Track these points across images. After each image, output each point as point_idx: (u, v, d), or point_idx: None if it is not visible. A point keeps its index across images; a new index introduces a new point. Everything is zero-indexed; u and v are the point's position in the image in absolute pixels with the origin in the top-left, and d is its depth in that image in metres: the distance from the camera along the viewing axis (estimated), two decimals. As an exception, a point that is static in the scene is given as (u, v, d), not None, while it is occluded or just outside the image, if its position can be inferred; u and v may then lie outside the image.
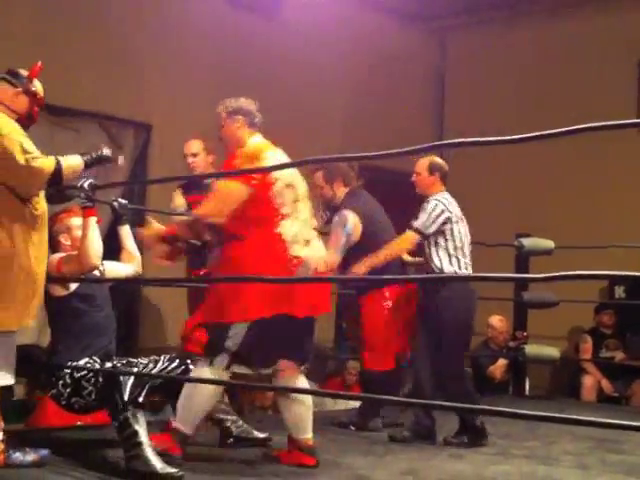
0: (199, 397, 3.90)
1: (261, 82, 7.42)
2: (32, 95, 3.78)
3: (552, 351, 6.81)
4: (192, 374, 3.99)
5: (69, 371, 3.91)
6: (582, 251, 6.52)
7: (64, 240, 4.09)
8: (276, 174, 3.90)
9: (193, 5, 7.25)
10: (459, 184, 9.03)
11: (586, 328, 7.76)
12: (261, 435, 4.46)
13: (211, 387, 3.90)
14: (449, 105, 9.44)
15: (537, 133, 2.65)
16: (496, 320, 7.41)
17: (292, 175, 4.00)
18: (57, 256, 4.03)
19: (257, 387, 5.25)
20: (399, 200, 5.24)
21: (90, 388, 3.83)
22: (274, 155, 3.99)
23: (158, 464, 3.58)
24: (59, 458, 3.80)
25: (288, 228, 3.90)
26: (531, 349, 6.78)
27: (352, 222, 5.04)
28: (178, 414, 3.93)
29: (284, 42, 7.72)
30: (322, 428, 4.96)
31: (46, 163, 3.61)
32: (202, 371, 3.87)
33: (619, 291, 7.79)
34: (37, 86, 3.81)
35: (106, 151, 3.97)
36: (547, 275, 2.34)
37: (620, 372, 7.43)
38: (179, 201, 5.24)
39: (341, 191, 5.20)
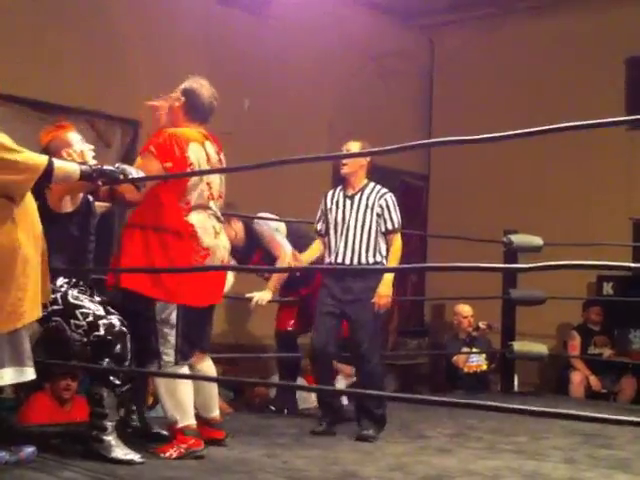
0: (180, 388, 3.90)
1: (249, 79, 7.42)
2: None
3: (540, 348, 6.82)
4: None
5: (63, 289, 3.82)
6: (570, 250, 6.52)
7: (66, 156, 3.89)
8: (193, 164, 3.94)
9: (181, 1, 7.23)
10: (448, 181, 9.13)
11: (574, 325, 7.79)
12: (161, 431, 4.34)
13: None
14: (437, 102, 9.46)
15: (522, 131, 2.64)
16: (460, 306, 7.45)
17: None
18: None
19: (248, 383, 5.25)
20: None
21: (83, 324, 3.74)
22: (198, 148, 4.00)
23: (121, 451, 3.67)
24: (45, 455, 3.77)
25: (197, 219, 3.94)
26: (519, 346, 6.80)
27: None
28: (174, 415, 3.90)
29: (272, 39, 7.71)
30: (307, 425, 4.96)
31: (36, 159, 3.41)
32: (175, 368, 3.91)
33: (607, 288, 7.81)
34: None
35: (107, 167, 3.81)
36: (532, 265, 2.34)
37: (608, 368, 7.45)
38: None
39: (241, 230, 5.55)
